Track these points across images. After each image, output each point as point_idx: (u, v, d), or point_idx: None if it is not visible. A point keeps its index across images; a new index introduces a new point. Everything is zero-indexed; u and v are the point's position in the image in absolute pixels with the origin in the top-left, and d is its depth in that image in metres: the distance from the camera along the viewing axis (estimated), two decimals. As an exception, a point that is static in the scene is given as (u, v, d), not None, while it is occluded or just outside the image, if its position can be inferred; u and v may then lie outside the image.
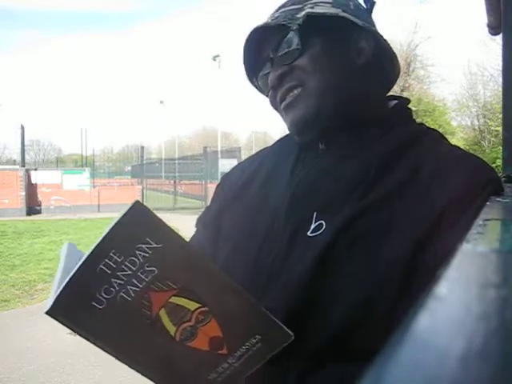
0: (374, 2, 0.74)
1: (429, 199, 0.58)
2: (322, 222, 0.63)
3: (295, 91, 0.68)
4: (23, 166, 16.93)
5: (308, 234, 0.64)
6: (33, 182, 16.22)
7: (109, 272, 0.47)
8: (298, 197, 0.68)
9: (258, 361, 0.55)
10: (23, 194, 15.43)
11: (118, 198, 15.83)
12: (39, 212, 16.13)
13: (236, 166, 0.91)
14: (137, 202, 0.47)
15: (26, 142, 20.17)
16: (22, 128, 17.74)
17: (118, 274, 0.47)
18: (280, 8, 0.72)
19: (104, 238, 0.46)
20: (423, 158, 0.63)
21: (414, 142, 0.66)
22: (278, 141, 0.84)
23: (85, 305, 0.48)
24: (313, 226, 0.64)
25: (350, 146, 0.69)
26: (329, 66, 0.68)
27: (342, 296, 0.58)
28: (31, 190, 16.05)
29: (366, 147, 0.67)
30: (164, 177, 19.65)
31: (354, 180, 0.64)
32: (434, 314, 0.18)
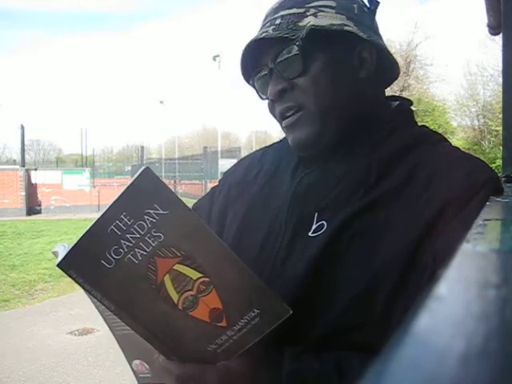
0: (379, 3, 0.72)
1: (427, 199, 0.58)
2: (324, 222, 0.63)
3: (297, 113, 0.67)
4: (23, 166, 16.93)
5: (309, 234, 0.64)
6: (33, 181, 16.22)
7: (119, 233, 0.49)
8: (299, 197, 0.68)
9: (257, 335, 0.56)
10: (23, 194, 15.43)
11: (118, 198, 15.75)
12: (39, 212, 16.13)
13: (238, 163, 0.91)
14: (147, 168, 0.50)
15: (26, 142, 20.20)
16: (22, 128, 17.74)
17: (128, 236, 0.50)
18: (280, 10, 0.68)
19: (116, 201, 0.49)
20: (423, 159, 0.63)
21: (416, 145, 0.66)
22: (281, 141, 0.84)
23: (95, 262, 0.50)
24: (314, 227, 0.64)
25: (352, 149, 0.68)
26: (331, 86, 0.66)
27: (340, 292, 0.59)
28: (31, 189, 16.06)
29: (368, 150, 0.67)
30: (164, 177, 19.67)
31: (355, 181, 0.64)
32: (434, 314, 0.18)
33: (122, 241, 0.50)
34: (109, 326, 0.66)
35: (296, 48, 0.64)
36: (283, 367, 0.58)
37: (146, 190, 0.49)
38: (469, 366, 0.13)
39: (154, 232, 0.50)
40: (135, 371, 0.71)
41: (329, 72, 0.66)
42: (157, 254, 0.51)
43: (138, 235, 0.50)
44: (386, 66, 0.72)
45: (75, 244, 0.50)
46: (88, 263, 0.50)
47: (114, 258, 0.50)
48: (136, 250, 0.50)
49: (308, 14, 0.65)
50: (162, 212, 0.49)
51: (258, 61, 0.70)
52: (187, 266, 0.52)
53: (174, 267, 0.52)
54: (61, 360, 3.73)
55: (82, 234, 0.49)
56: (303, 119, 0.67)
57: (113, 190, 16.88)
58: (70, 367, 3.62)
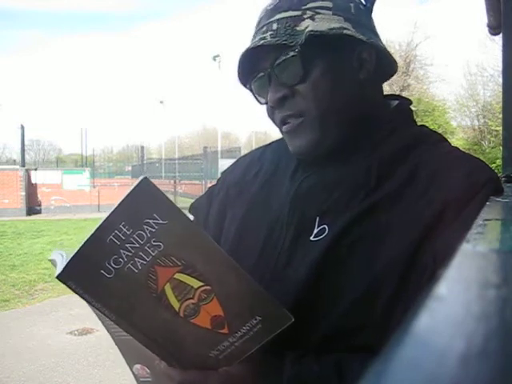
0: (375, 0, 0.71)
1: (428, 200, 0.58)
2: (325, 226, 0.63)
3: (297, 120, 0.66)
4: (23, 166, 16.92)
5: (311, 238, 0.64)
6: (33, 181, 16.22)
7: (118, 243, 0.49)
8: (300, 200, 0.68)
9: (259, 342, 0.56)
10: (23, 194, 15.43)
11: (118, 198, 15.74)
12: (39, 212, 16.12)
13: (236, 162, 0.90)
14: (145, 178, 0.49)
15: (26, 142, 20.21)
16: (22, 128, 17.74)
17: (127, 245, 0.49)
18: (275, 12, 0.66)
19: (114, 211, 0.49)
20: (423, 159, 0.63)
21: (416, 145, 0.66)
22: (280, 139, 0.83)
23: (94, 272, 0.50)
24: (316, 231, 0.64)
25: (352, 151, 0.68)
26: (331, 91, 0.65)
27: (342, 295, 0.59)
28: (31, 189, 16.05)
29: (368, 150, 0.66)
30: (164, 177, 19.64)
31: (356, 184, 0.64)
32: (434, 313, 0.18)
33: (122, 250, 0.50)
34: (108, 331, 0.66)
35: (295, 54, 0.63)
36: (284, 372, 0.58)
37: (144, 199, 0.49)
38: (469, 366, 0.13)
39: (154, 241, 0.50)
40: (136, 375, 0.71)
41: (329, 77, 0.65)
42: (157, 263, 0.51)
43: (138, 245, 0.50)
44: (385, 65, 0.71)
45: (74, 255, 0.49)
46: (87, 273, 0.50)
47: (113, 268, 0.50)
48: (136, 259, 0.50)
49: (305, 16, 0.64)
50: (161, 222, 0.49)
51: (255, 66, 0.68)
52: (188, 274, 0.52)
53: (175, 276, 0.52)
54: (61, 360, 3.73)
55: (80, 245, 0.49)
56: (304, 126, 0.66)
57: (113, 190, 16.86)
58: (69, 367, 3.62)
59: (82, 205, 16.56)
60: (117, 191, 16.88)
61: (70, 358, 3.77)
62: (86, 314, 4.52)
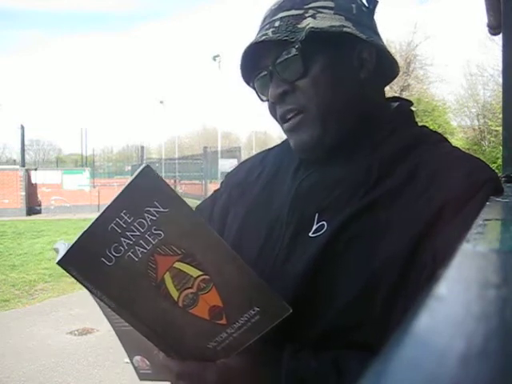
0: (377, 2, 0.72)
1: (427, 199, 0.58)
2: (324, 223, 0.64)
3: (298, 116, 0.67)
4: (23, 166, 16.92)
5: (310, 234, 0.64)
6: (33, 181, 16.21)
7: (119, 231, 0.49)
8: (300, 198, 0.68)
9: (257, 333, 0.57)
10: (23, 194, 15.43)
11: (118, 198, 15.78)
12: (39, 212, 16.12)
13: (239, 165, 0.92)
14: (146, 167, 0.50)
15: (26, 142, 20.19)
16: (22, 128, 17.74)
17: (128, 233, 0.50)
18: (278, 11, 0.67)
19: (116, 199, 0.49)
20: (423, 159, 0.63)
21: (416, 145, 0.66)
22: (282, 143, 0.84)
23: (95, 259, 0.50)
24: (314, 227, 0.64)
25: (353, 150, 0.68)
26: (331, 88, 0.66)
27: (339, 291, 0.59)
28: (31, 189, 16.05)
29: (368, 150, 0.67)
30: (164, 177, 19.64)
31: (356, 182, 0.64)
32: (434, 313, 0.18)
33: (122, 238, 0.50)
34: (110, 323, 0.67)
35: (296, 50, 0.64)
36: (282, 365, 0.58)
37: (145, 187, 0.49)
38: (469, 366, 0.13)
39: (154, 230, 0.50)
40: (136, 367, 0.71)
41: (329, 73, 0.66)
42: (157, 252, 0.51)
43: (138, 233, 0.50)
44: (386, 66, 0.72)
45: (75, 242, 0.50)
46: (88, 261, 0.51)
47: (114, 256, 0.50)
48: (136, 247, 0.51)
49: (307, 15, 0.65)
50: (162, 210, 0.49)
51: (257, 63, 0.69)
52: (187, 263, 0.52)
53: (175, 265, 0.52)
54: (61, 360, 3.73)
55: (82, 232, 0.50)
56: (304, 122, 0.67)
57: (113, 189, 16.83)
58: (69, 367, 3.62)
59: (81, 205, 16.55)
60: (116, 191, 16.80)
61: (70, 358, 3.77)
62: (86, 314, 4.53)
